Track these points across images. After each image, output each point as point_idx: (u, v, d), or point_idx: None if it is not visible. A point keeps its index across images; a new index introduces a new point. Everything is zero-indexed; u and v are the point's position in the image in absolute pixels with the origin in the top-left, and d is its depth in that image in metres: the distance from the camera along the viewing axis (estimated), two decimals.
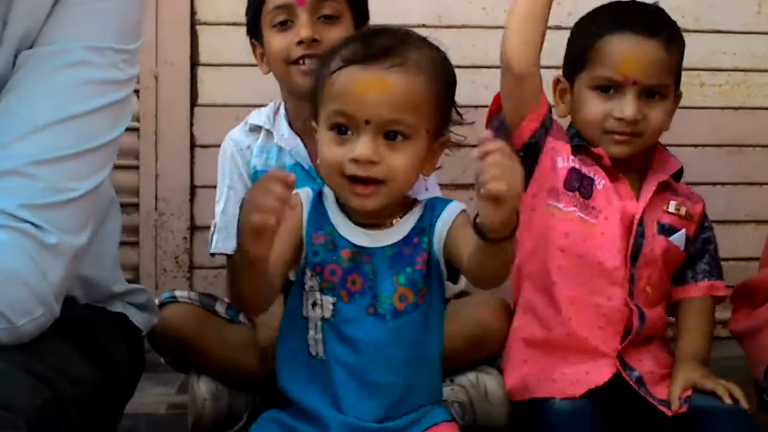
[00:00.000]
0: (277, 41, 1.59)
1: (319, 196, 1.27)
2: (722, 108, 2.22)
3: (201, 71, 2.11)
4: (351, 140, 1.18)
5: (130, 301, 1.37)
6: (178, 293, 1.56)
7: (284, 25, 1.59)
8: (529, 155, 1.45)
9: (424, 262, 1.22)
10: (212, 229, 1.66)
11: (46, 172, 1.06)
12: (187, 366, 1.57)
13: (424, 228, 1.24)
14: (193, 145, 2.11)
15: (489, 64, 2.15)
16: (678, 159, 1.54)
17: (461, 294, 1.56)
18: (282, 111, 1.67)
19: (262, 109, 1.71)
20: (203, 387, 1.48)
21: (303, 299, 1.24)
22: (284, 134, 1.65)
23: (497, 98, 1.50)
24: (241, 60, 2.06)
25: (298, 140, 1.63)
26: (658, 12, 1.50)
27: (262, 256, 1.10)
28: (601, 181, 1.45)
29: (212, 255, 1.66)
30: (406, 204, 1.27)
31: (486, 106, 2.11)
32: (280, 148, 1.64)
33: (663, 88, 1.45)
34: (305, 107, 1.55)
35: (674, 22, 1.50)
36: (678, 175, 1.53)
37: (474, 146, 1.07)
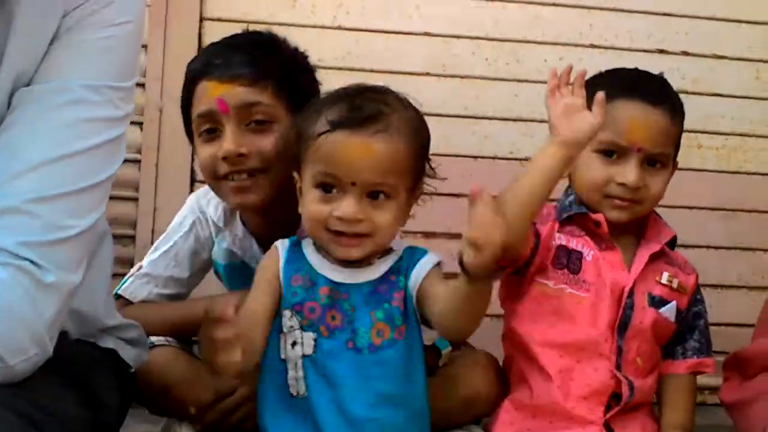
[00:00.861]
0: (203, 153, 1.43)
1: (296, 243, 1.32)
2: (718, 171, 2.25)
3: None
4: (336, 198, 1.24)
5: (121, 336, 1.37)
6: (154, 339, 1.48)
7: (212, 133, 1.42)
8: (530, 258, 1.45)
9: (401, 300, 1.27)
10: (133, 271, 1.60)
11: (46, 210, 1.07)
12: (169, 411, 1.48)
13: (401, 268, 1.29)
14: (193, 180, 2.11)
15: (490, 115, 2.19)
16: (671, 227, 1.53)
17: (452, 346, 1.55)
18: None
19: (215, 204, 1.57)
20: None
21: (281, 342, 1.27)
22: (238, 234, 1.55)
23: None
24: None
25: (252, 241, 1.55)
26: (664, 82, 1.51)
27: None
28: (589, 253, 1.45)
29: (116, 297, 1.54)
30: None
31: (486, 157, 2.14)
32: (234, 252, 1.56)
33: (665, 157, 1.46)
34: (251, 215, 1.52)
35: (677, 94, 1.51)
36: (672, 243, 1.53)
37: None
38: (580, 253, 1.45)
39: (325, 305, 1.26)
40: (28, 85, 1.10)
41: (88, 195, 1.11)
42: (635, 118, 1.43)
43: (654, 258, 1.48)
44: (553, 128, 1.35)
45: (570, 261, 1.44)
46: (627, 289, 1.44)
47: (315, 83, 1.52)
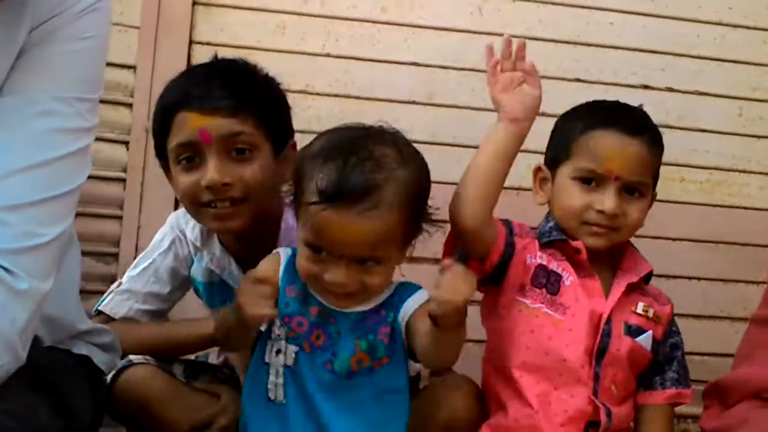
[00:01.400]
0: (183, 181, 1.44)
1: (295, 255, 1.33)
2: (701, 204, 2.27)
3: None
4: (326, 261, 1.26)
5: (94, 342, 1.37)
6: (133, 357, 1.48)
7: (191, 162, 1.43)
8: (501, 268, 1.46)
9: (388, 334, 1.29)
10: (113, 287, 1.61)
11: (18, 218, 1.08)
12: (147, 429, 1.48)
13: (392, 303, 1.31)
14: (177, 200, 2.10)
15: (476, 144, 2.20)
16: (647, 261, 1.55)
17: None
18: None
19: (192, 224, 1.58)
20: None
21: (268, 347, 1.31)
22: (216, 253, 1.56)
23: (450, 240, 1.47)
24: None
25: (230, 259, 1.56)
26: (643, 114, 1.55)
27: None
28: (569, 277, 1.46)
29: (97, 312, 1.56)
30: None
31: None
32: (212, 270, 1.57)
33: (643, 186, 1.48)
34: (228, 237, 1.54)
35: (656, 127, 1.54)
36: (648, 277, 1.54)
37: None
38: (560, 276, 1.46)
39: (314, 323, 1.30)
40: None
41: (58, 203, 1.13)
42: (613, 148, 1.45)
43: (630, 289, 1.49)
44: (497, 107, 1.42)
45: (549, 281, 1.45)
46: (605, 316, 1.45)
47: (288, 108, 1.54)
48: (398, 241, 1.28)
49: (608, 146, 1.45)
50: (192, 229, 1.59)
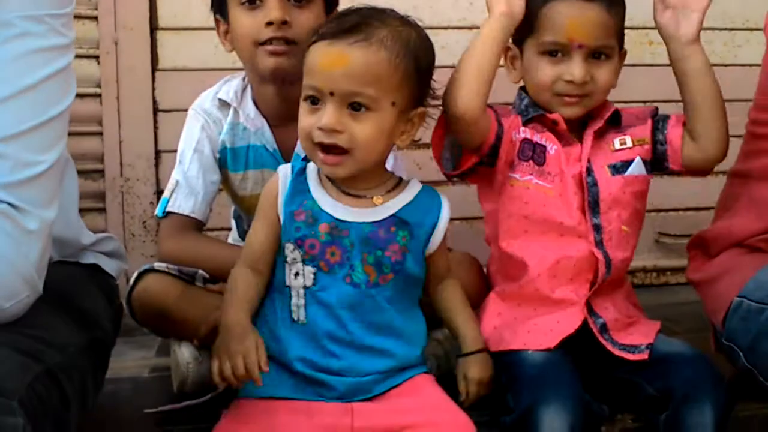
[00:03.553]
0: (245, 21, 1.55)
1: (301, 173, 1.35)
2: (669, 65, 2.29)
3: (161, 35, 2.10)
4: (320, 110, 1.27)
5: (99, 250, 1.40)
6: (156, 264, 1.54)
7: (252, 4, 1.54)
8: (494, 150, 1.49)
9: (396, 253, 1.32)
10: (171, 187, 1.62)
11: (12, 149, 1.07)
12: (168, 333, 1.56)
13: (405, 222, 1.33)
14: (155, 110, 2.10)
15: (445, 25, 2.19)
16: (612, 104, 1.56)
17: None
18: (249, 90, 1.65)
19: (232, 81, 1.67)
20: (186, 352, 1.48)
21: (286, 270, 1.32)
22: (250, 114, 1.63)
23: (440, 130, 1.50)
24: (201, 24, 2.06)
25: (264, 122, 1.63)
26: None
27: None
28: (552, 147, 1.50)
29: (165, 215, 1.60)
30: (389, 181, 1.36)
31: (443, 66, 2.13)
32: (246, 128, 1.63)
33: (608, 49, 1.50)
34: (269, 90, 1.60)
35: None
36: (614, 118, 1.55)
37: None
38: (544, 147, 1.50)
39: (325, 242, 1.31)
40: None
41: (50, 127, 1.12)
42: (572, 16, 1.46)
43: (601, 133, 1.53)
44: (490, 3, 1.48)
45: (535, 153, 1.50)
46: (583, 170, 1.50)
47: None
48: (391, 88, 1.27)
49: (567, 15, 1.47)
50: (227, 90, 1.65)
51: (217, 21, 1.64)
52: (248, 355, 1.22)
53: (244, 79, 1.66)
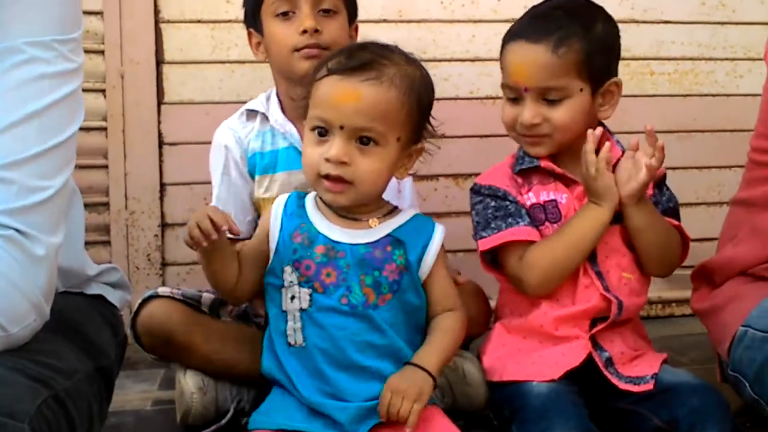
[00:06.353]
0: (280, 30, 1.69)
1: (299, 199, 1.39)
2: (671, 95, 2.32)
3: (166, 69, 2.12)
4: (328, 142, 1.31)
5: (104, 281, 1.40)
6: (160, 290, 1.57)
7: (286, 16, 1.68)
8: None
9: (393, 272, 1.34)
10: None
11: (18, 174, 1.07)
12: (171, 360, 1.57)
13: (400, 241, 1.35)
14: (161, 143, 2.12)
15: (448, 57, 2.22)
16: (620, 145, 1.54)
17: None
18: (274, 98, 1.76)
19: (254, 100, 1.79)
20: (190, 381, 1.49)
21: (283, 295, 1.35)
22: (278, 119, 1.73)
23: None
24: (206, 57, 2.10)
25: (291, 124, 1.72)
26: (559, 15, 1.47)
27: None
28: (562, 196, 1.50)
29: None
30: (384, 207, 1.40)
31: (446, 98, 2.18)
32: (274, 132, 1.72)
33: (558, 90, 1.46)
34: (300, 92, 1.60)
35: (577, 21, 1.47)
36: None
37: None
38: (554, 201, 1.50)
39: (320, 263, 1.33)
40: None
41: (57, 153, 1.11)
42: (515, 60, 1.48)
43: None
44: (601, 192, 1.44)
45: (547, 212, 1.50)
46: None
47: None
48: (397, 124, 1.31)
49: (512, 59, 1.48)
50: (254, 102, 1.77)
51: (249, 34, 1.78)
52: (204, 213, 1.29)
53: (266, 93, 1.78)
